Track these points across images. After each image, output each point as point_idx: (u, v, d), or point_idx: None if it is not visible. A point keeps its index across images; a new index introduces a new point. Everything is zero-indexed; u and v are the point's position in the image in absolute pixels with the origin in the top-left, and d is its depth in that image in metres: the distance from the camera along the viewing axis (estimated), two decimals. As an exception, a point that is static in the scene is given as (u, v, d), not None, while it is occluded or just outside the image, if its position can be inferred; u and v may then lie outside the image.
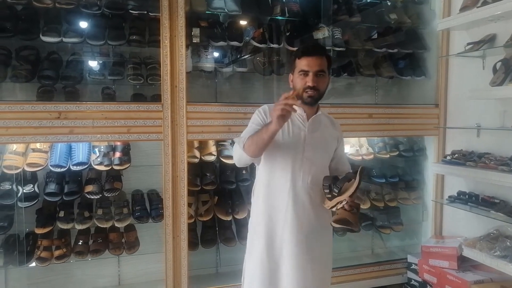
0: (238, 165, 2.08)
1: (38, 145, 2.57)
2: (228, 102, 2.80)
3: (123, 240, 2.69)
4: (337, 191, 1.83)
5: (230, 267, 2.98)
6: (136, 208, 2.69)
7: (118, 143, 2.68)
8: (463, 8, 2.69)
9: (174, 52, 2.47)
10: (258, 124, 1.97)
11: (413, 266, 3.03)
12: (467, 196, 2.72)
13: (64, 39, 2.49)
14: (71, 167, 2.53)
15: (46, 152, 2.57)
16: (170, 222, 2.54)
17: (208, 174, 2.81)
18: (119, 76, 2.62)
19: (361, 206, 3.14)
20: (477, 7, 2.55)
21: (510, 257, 2.31)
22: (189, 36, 2.62)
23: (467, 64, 2.88)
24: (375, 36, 3.28)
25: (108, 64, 2.68)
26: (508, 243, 2.39)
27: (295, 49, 2.92)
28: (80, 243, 2.59)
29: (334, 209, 1.88)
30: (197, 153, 2.76)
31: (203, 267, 2.98)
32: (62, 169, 2.50)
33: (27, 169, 2.46)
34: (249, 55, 2.97)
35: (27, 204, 2.44)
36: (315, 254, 2.00)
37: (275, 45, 2.87)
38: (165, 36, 2.45)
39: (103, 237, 2.65)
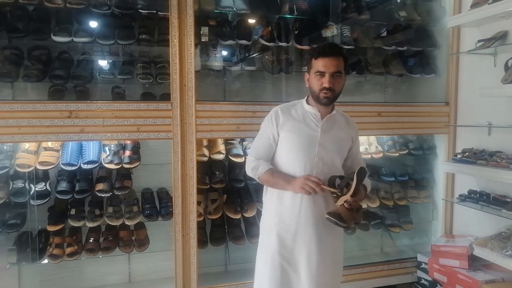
0: (248, 175, 2.13)
1: (49, 144, 2.60)
2: (236, 101, 2.81)
3: (133, 238, 2.71)
4: (339, 190, 1.85)
5: (239, 265, 3.00)
6: (146, 206, 2.71)
7: (128, 142, 2.70)
8: (474, 5, 2.66)
9: (183, 51, 2.49)
10: (268, 138, 2.03)
11: (423, 265, 3.01)
12: (478, 195, 2.69)
13: (75, 39, 2.51)
14: (82, 165, 2.56)
15: (57, 150, 2.60)
16: (180, 220, 2.56)
17: (217, 173, 2.83)
18: (129, 75, 2.64)
19: (371, 205, 3.14)
20: (488, 4, 2.51)
21: (522, 256, 2.28)
22: (198, 35, 2.63)
23: (478, 62, 2.85)
24: (384, 33, 3.26)
25: (118, 63, 2.70)
26: (520, 243, 2.37)
27: (304, 47, 2.93)
28: (91, 240, 2.63)
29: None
30: (206, 152, 2.78)
31: (212, 265, 3.00)
32: (73, 168, 2.53)
33: (39, 167, 2.49)
34: (257, 54, 2.98)
35: (39, 202, 2.48)
36: (326, 252, 2.00)
37: (283, 44, 2.87)
38: (174, 35, 2.46)
39: (113, 234, 2.68)
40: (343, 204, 1.83)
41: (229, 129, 2.62)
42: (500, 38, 2.60)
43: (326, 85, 1.88)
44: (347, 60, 2.00)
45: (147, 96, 2.76)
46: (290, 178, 1.95)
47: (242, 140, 2.97)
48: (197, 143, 2.58)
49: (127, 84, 2.77)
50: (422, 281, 3.03)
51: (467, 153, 2.73)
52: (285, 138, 2.00)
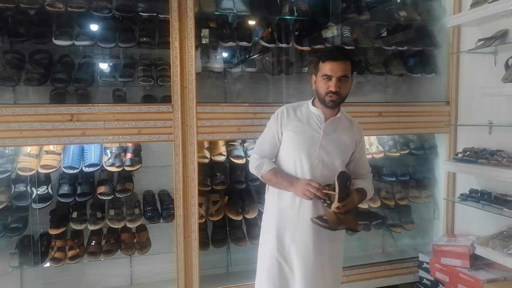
0: (252, 172, 2.15)
1: (51, 147, 2.61)
2: (237, 102, 2.81)
3: (135, 240, 2.71)
4: (327, 199, 1.89)
5: (241, 266, 3.00)
6: (148, 208, 2.72)
7: (129, 145, 2.71)
8: (474, 4, 2.66)
9: (183, 53, 2.49)
10: (273, 136, 2.06)
11: (425, 265, 3.01)
12: (479, 194, 2.69)
13: (76, 43, 2.52)
14: (83, 168, 2.56)
15: (59, 154, 2.61)
16: (181, 222, 2.56)
17: (218, 174, 2.83)
18: (130, 78, 2.65)
19: (372, 205, 3.14)
20: (488, 3, 2.52)
21: (524, 255, 2.28)
22: (198, 37, 2.63)
23: (478, 61, 2.85)
24: (385, 34, 3.26)
25: (119, 66, 2.71)
26: (521, 242, 2.37)
27: (304, 48, 2.93)
28: (93, 243, 2.63)
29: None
30: (207, 154, 2.78)
31: (214, 266, 3.00)
32: (75, 171, 2.53)
33: (41, 171, 2.50)
34: (258, 55, 2.98)
35: (41, 205, 2.49)
36: (324, 253, 2.02)
37: (284, 45, 2.87)
38: (175, 37, 2.47)
39: (115, 237, 2.68)
40: (339, 205, 1.85)
41: (230, 130, 2.62)
42: (500, 37, 2.60)
43: (332, 89, 1.89)
44: (354, 63, 2.01)
45: (148, 99, 2.76)
46: (293, 180, 1.96)
47: (243, 141, 2.97)
48: (198, 145, 2.58)
49: (128, 87, 2.78)
50: (424, 280, 3.03)
51: (468, 152, 2.74)
52: (288, 138, 2.01)
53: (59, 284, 2.77)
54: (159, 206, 2.78)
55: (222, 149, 2.85)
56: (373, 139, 3.26)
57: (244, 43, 2.79)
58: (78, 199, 2.54)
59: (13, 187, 2.51)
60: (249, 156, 2.74)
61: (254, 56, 2.96)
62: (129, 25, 2.67)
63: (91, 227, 2.58)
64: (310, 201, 1.94)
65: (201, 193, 2.69)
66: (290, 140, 2.01)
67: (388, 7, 3.20)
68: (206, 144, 2.84)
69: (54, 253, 2.52)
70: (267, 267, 2.03)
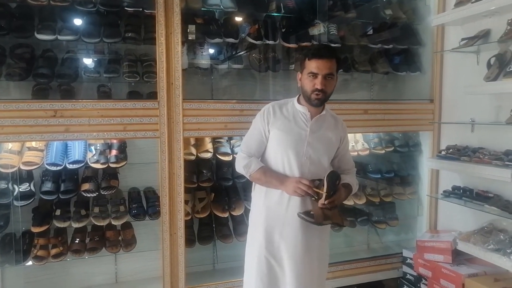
0: (238, 171, 2.14)
1: (33, 144, 2.55)
2: (224, 99, 2.80)
3: (120, 238, 2.68)
4: (315, 197, 1.91)
5: (227, 263, 3.00)
6: (133, 205, 2.69)
7: (115, 141, 2.67)
8: (458, 4, 2.70)
9: (170, 49, 2.47)
10: (260, 134, 2.05)
11: (409, 261, 3.06)
12: (461, 191, 2.74)
13: (59, 37, 2.47)
14: (67, 165, 2.52)
15: (42, 150, 2.56)
16: (167, 220, 2.54)
17: (204, 171, 2.82)
18: (115, 73, 2.61)
19: (357, 202, 3.17)
20: (472, 3, 2.56)
21: (504, 250, 2.34)
22: (184, 33, 2.61)
23: (461, 60, 2.90)
24: (371, 32, 3.29)
25: (104, 61, 2.67)
26: (501, 237, 2.42)
27: (291, 45, 2.93)
28: (77, 241, 2.59)
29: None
30: (193, 150, 2.77)
31: (200, 263, 2.99)
32: (58, 168, 2.49)
33: (23, 167, 2.45)
34: (244, 52, 2.97)
35: (23, 203, 2.44)
36: (312, 249, 2.04)
37: (270, 42, 2.87)
38: (161, 33, 2.44)
39: (100, 235, 2.65)
40: (325, 202, 1.88)
41: (216, 127, 2.61)
42: (482, 36, 2.65)
43: (318, 86, 1.90)
44: (340, 61, 2.02)
45: (133, 95, 2.73)
46: (283, 178, 1.98)
47: (230, 138, 2.97)
48: (184, 142, 2.57)
49: (113, 83, 2.74)
50: (408, 276, 3.08)
51: (451, 150, 2.79)
52: (275, 136, 2.02)
53: (42, 283, 2.73)
54: (145, 204, 2.75)
55: (209, 146, 2.83)
56: (359, 136, 3.28)
57: (230, 40, 2.77)
58: (61, 197, 2.50)
59: (-6, 184, 2.46)
60: (235, 153, 2.73)
61: (241, 53, 2.96)
62: (114, 20, 2.63)
63: (75, 225, 2.54)
64: (298, 197, 1.96)
65: (187, 190, 2.68)
66: (278, 138, 2.02)
67: (374, 5, 3.23)
68: (192, 141, 2.82)
69: (37, 251, 2.47)
70: (256, 265, 2.04)
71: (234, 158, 2.59)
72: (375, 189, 3.31)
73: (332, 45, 2.97)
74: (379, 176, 3.27)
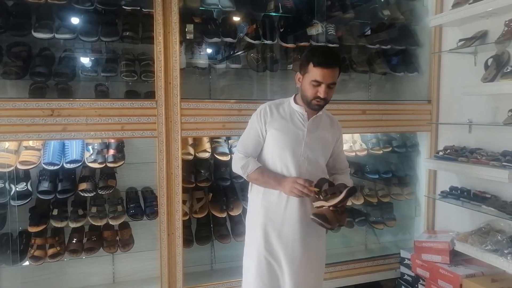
0: (235, 172, 2.13)
1: (30, 143, 2.54)
2: (222, 99, 2.79)
3: (117, 238, 2.67)
4: (323, 197, 1.89)
5: (225, 263, 2.99)
6: (131, 205, 2.68)
7: (112, 141, 2.66)
8: (456, 5, 2.71)
9: (168, 49, 2.46)
10: (257, 134, 2.04)
11: (406, 261, 3.06)
12: (459, 191, 2.75)
13: (57, 36, 2.45)
14: (64, 164, 2.50)
15: (39, 150, 2.54)
16: (165, 220, 2.54)
17: (202, 171, 2.81)
18: (113, 72, 2.60)
19: (355, 202, 3.17)
20: (469, 4, 2.57)
21: (501, 251, 2.34)
22: (182, 32, 2.60)
23: (459, 61, 2.91)
24: (368, 32, 3.30)
25: (101, 60, 2.65)
26: (499, 237, 2.42)
27: (289, 45, 2.93)
28: (74, 241, 2.58)
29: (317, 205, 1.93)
30: (191, 150, 2.76)
31: (198, 264, 2.98)
32: (56, 167, 2.48)
33: (20, 167, 2.43)
34: (242, 52, 2.97)
35: (20, 202, 2.42)
36: (310, 249, 2.04)
37: (268, 42, 2.87)
38: (159, 32, 2.43)
39: (97, 235, 2.64)
40: (329, 207, 1.86)
41: (214, 127, 2.60)
42: (480, 37, 2.65)
43: (322, 95, 1.90)
44: (341, 68, 2.02)
45: (131, 94, 2.72)
46: (280, 178, 1.97)
47: (228, 138, 2.96)
48: (182, 142, 2.56)
49: (111, 82, 2.73)
50: (405, 276, 3.08)
51: (448, 150, 2.79)
52: (272, 136, 2.01)
53: (38, 283, 2.71)
54: (142, 203, 2.74)
55: (207, 145, 2.83)
56: (357, 136, 3.29)
57: (229, 39, 2.77)
58: (58, 196, 2.48)
59: (-10, 183, 2.44)
60: (233, 153, 2.73)
61: (239, 53, 2.95)
62: (112, 18, 2.62)
63: (72, 225, 2.53)
64: (297, 197, 1.95)
65: (185, 190, 2.67)
66: (275, 138, 2.02)
67: (372, 6, 3.23)
68: (190, 141, 2.82)
69: (34, 251, 2.46)
70: (255, 265, 2.04)
71: (232, 158, 2.58)
72: (372, 190, 3.31)
73: (330, 45, 2.97)
74: (377, 176, 3.28)
